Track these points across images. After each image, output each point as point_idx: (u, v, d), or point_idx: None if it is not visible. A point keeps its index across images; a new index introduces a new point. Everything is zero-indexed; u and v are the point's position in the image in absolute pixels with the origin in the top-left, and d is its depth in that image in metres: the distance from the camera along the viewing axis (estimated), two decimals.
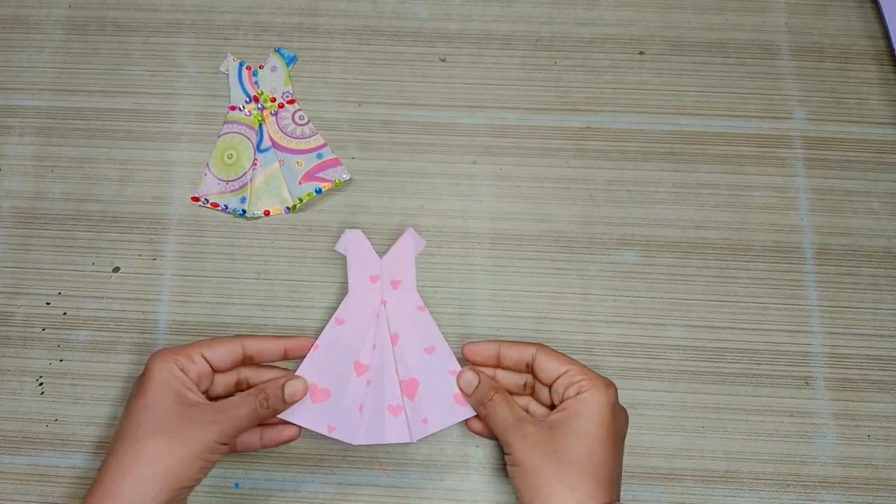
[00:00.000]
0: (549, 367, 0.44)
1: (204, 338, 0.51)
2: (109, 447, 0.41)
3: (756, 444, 0.49)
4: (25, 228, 0.54)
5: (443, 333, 0.49)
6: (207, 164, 0.55)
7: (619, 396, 0.49)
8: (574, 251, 0.53)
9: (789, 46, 0.58)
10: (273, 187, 0.54)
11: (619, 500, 0.41)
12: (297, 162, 0.55)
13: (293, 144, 0.55)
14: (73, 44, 0.58)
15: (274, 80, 0.57)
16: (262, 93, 0.56)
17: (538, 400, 0.46)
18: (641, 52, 0.57)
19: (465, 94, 0.56)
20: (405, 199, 0.54)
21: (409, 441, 0.45)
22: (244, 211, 0.53)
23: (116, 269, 0.53)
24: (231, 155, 0.55)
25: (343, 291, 0.52)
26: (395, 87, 0.57)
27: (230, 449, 0.43)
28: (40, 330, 0.52)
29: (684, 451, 0.49)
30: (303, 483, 0.48)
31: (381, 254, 0.49)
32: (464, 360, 0.48)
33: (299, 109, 0.56)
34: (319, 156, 0.55)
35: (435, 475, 0.49)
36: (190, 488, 0.40)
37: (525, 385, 0.47)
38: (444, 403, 0.45)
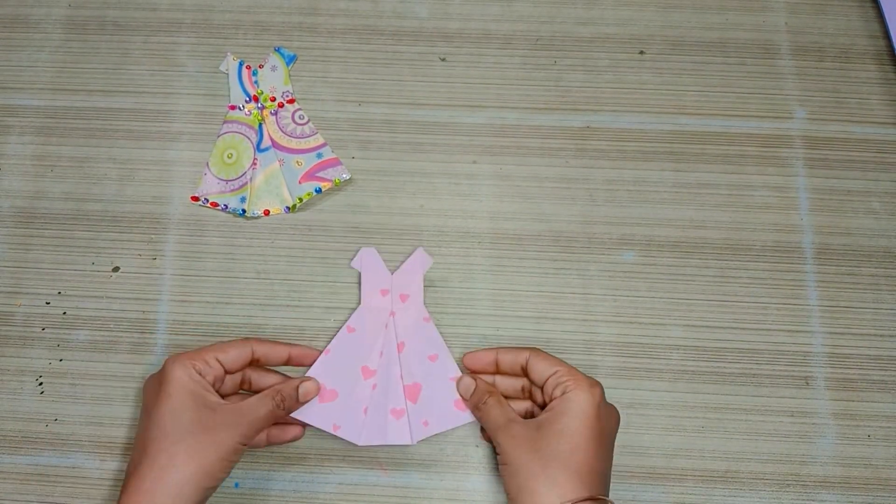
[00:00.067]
0: (539, 368, 0.45)
1: (204, 337, 0.51)
2: (137, 452, 0.42)
3: (756, 444, 0.49)
4: (25, 228, 0.54)
5: (443, 333, 0.50)
6: (207, 164, 0.55)
7: (620, 396, 0.50)
8: (574, 251, 0.53)
9: (789, 46, 0.58)
10: (273, 187, 0.54)
11: (606, 497, 0.42)
12: (297, 161, 0.55)
13: (293, 144, 0.55)
14: (73, 43, 0.58)
15: (274, 79, 0.57)
16: (262, 92, 0.56)
17: (536, 402, 0.47)
18: (641, 52, 0.57)
19: (465, 94, 0.56)
20: (405, 198, 0.54)
21: (409, 443, 0.47)
22: (244, 210, 0.53)
23: (116, 269, 0.53)
24: (231, 154, 0.55)
25: (343, 292, 0.52)
26: (395, 87, 0.57)
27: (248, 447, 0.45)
28: (40, 330, 0.52)
29: (684, 451, 0.49)
30: (303, 483, 0.48)
31: (395, 269, 0.51)
32: (465, 369, 0.49)
33: (299, 109, 0.56)
34: (319, 155, 0.55)
35: (435, 475, 0.49)
36: (216, 487, 0.42)
37: (523, 389, 0.48)
38: (445, 408, 0.48)
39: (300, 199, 0.54)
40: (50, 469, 0.49)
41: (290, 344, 0.48)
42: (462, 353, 0.50)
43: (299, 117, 0.56)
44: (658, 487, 0.49)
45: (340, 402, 0.47)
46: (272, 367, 0.49)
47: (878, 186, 0.54)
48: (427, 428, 0.47)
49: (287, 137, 0.55)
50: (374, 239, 0.53)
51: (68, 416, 0.50)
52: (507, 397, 0.48)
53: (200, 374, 0.43)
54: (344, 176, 0.54)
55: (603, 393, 0.44)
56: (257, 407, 0.43)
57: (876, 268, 0.53)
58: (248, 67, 0.57)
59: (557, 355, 0.47)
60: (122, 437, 0.49)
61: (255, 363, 0.47)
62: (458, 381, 0.48)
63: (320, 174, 0.54)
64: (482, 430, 0.49)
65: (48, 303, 0.52)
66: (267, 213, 0.54)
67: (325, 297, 0.52)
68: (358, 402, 0.48)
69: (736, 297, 0.52)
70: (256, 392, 0.47)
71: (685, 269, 0.53)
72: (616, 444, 0.47)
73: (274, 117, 0.56)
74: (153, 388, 0.44)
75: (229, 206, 0.54)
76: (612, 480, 0.46)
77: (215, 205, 0.54)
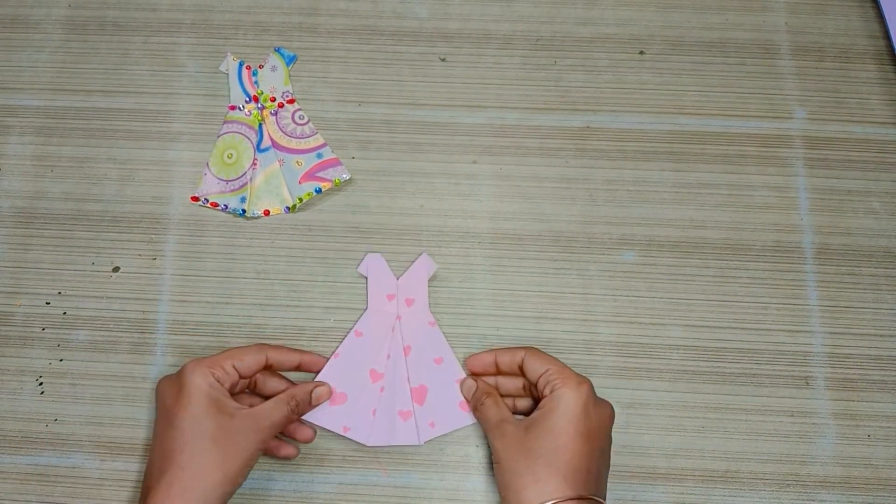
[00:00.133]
0: (533, 367, 0.46)
1: (204, 337, 0.51)
2: (160, 458, 0.42)
3: (756, 444, 0.49)
4: (25, 228, 0.54)
5: (443, 333, 0.50)
6: (207, 164, 0.55)
7: (620, 396, 0.50)
8: (574, 251, 0.53)
9: (789, 46, 0.58)
10: (273, 187, 0.54)
11: (596, 496, 0.42)
12: (297, 161, 0.55)
13: (293, 144, 0.55)
14: (73, 43, 0.58)
15: (274, 79, 0.57)
16: (262, 92, 0.56)
17: (536, 401, 0.47)
18: (641, 52, 0.57)
19: (465, 94, 0.56)
20: (405, 198, 0.54)
21: (417, 443, 0.48)
22: (244, 211, 0.53)
23: (116, 269, 0.53)
24: (231, 154, 0.55)
25: (343, 292, 0.52)
26: (395, 87, 0.57)
27: None
28: (40, 330, 0.52)
29: (684, 451, 0.49)
30: (303, 483, 0.49)
31: (396, 269, 0.52)
32: (468, 371, 0.50)
33: (299, 109, 0.56)
34: (319, 155, 0.55)
35: (435, 475, 0.49)
36: (235, 491, 0.43)
37: (524, 387, 0.48)
38: (450, 409, 0.49)
39: (300, 200, 0.54)
40: (50, 469, 0.49)
41: (301, 351, 0.49)
42: (463, 353, 0.50)
43: (299, 117, 0.56)
44: (658, 487, 0.49)
45: (350, 404, 0.49)
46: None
47: (878, 186, 0.54)
48: (433, 429, 0.48)
49: (287, 137, 0.55)
50: (373, 239, 0.53)
51: (68, 416, 0.50)
52: (510, 396, 0.48)
53: (219, 381, 0.44)
54: (344, 176, 0.54)
55: (592, 390, 0.44)
56: (273, 412, 0.44)
57: (876, 268, 0.53)
58: (248, 68, 0.57)
59: (557, 355, 0.47)
60: (122, 437, 0.49)
61: (267, 369, 0.48)
62: (462, 383, 0.49)
63: (320, 174, 0.54)
64: None
65: (48, 303, 0.52)
66: (267, 213, 0.54)
67: (325, 297, 0.52)
68: (367, 405, 0.49)
69: (736, 297, 0.52)
70: (260, 393, 0.48)
71: (685, 269, 0.53)
72: (616, 444, 0.47)
73: (274, 117, 0.56)
74: (171, 392, 0.44)
75: (229, 207, 0.54)
76: (612, 480, 0.47)
77: (215, 205, 0.54)
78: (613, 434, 0.46)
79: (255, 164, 0.54)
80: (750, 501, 0.48)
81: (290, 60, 0.57)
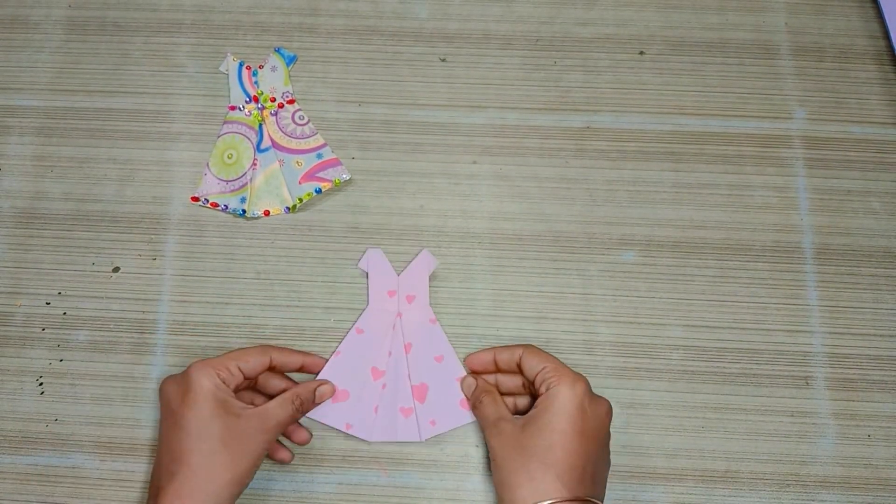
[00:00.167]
0: (530, 365, 0.46)
1: (204, 337, 0.51)
2: (169, 460, 0.43)
3: (756, 444, 0.49)
4: (25, 228, 0.54)
5: (445, 334, 0.50)
6: (207, 164, 0.55)
7: (620, 396, 0.50)
8: (574, 251, 0.53)
9: (789, 46, 0.58)
10: (273, 187, 0.54)
11: (592, 496, 0.42)
12: (297, 162, 0.55)
13: (293, 144, 0.55)
14: (73, 44, 0.58)
15: (274, 79, 0.57)
16: (262, 93, 0.56)
17: (534, 399, 0.47)
18: (641, 52, 0.57)
19: (465, 94, 0.56)
20: (405, 199, 0.54)
21: (418, 440, 0.48)
22: (244, 211, 0.53)
23: (116, 269, 0.53)
24: (231, 155, 0.55)
25: (343, 291, 0.52)
26: (395, 87, 0.57)
27: None
28: (40, 330, 0.52)
29: (684, 451, 0.49)
30: (303, 483, 0.49)
31: (398, 270, 0.52)
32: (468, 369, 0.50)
33: (299, 109, 0.56)
34: (319, 156, 0.55)
35: (435, 475, 0.49)
36: (243, 491, 0.44)
37: (524, 385, 0.48)
38: (450, 407, 0.49)
39: (300, 200, 0.54)
40: (50, 469, 0.49)
41: (303, 353, 0.49)
42: (463, 353, 0.50)
43: (299, 118, 0.56)
44: (658, 487, 0.49)
45: (352, 401, 0.49)
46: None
47: (878, 186, 0.54)
48: (434, 427, 0.49)
49: (287, 138, 0.55)
50: (374, 239, 0.53)
51: (68, 416, 0.50)
52: (510, 394, 0.48)
53: (224, 382, 0.44)
54: (344, 176, 0.54)
55: (587, 388, 0.44)
56: (279, 411, 0.45)
57: (876, 268, 0.53)
58: (248, 68, 0.57)
59: (557, 355, 0.47)
60: (122, 437, 0.49)
61: (270, 370, 0.48)
62: (462, 381, 0.49)
63: (320, 174, 0.54)
64: None
65: (48, 303, 0.52)
66: (267, 213, 0.54)
67: (325, 297, 0.52)
68: (369, 402, 0.49)
69: (736, 297, 0.52)
70: (261, 390, 0.49)
71: (685, 269, 0.53)
72: (616, 444, 0.47)
73: (274, 118, 0.56)
74: (177, 394, 0.44)
75: (229, 207, 0.54)
76: (611, 480, 0.47)
77: (215, 205, 0.54)
78: (613, 434, 0.46)
79: (255, 165, 0.54)
80: (750, 501, 0.48)
81: (290, 61, 0.57)
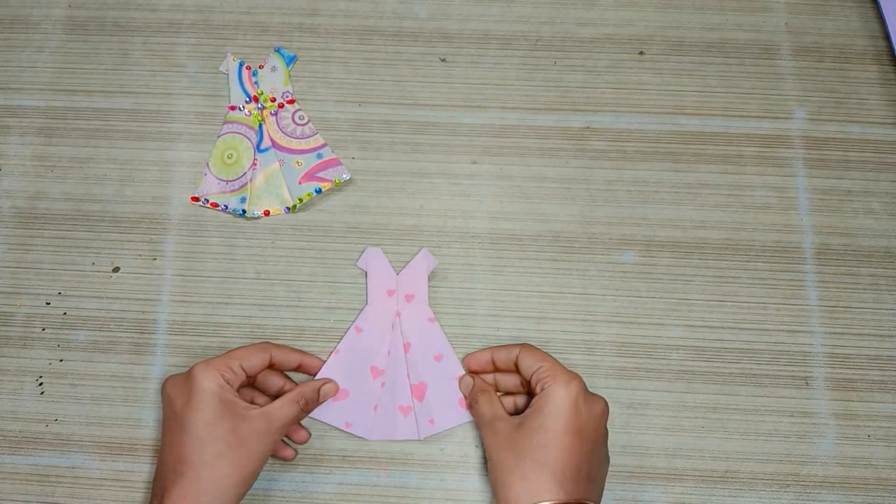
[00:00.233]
0: (527, 364, 0.46)
1: (204, 337, 0.51)
2: (174, 461, 0.42)
3: (756, 444, 0.49)
4: (25, 228, 0.54)
5: (445, 333, 0.51)
6: (207, 164, 0.55)
7: (619, 396, 0.50)
8: (574, 251, 0.53)
9: (789, 46, 0.58)
10: (273, 187, 0.54)
11: (587, 498, 0.41)
12: (297, 162, 0.55)
13: (293, 144, 0.55)
14: (73, 44, 0.58)
15: (274, 79, 0.57)
16: (262, 93, 0.56)
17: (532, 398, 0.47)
18: (641, 52, 0.57)
19: (465, 94, 0.56)
20: (405, 199, 0.54)
21: (417, 438, 0.49)
22: (244, 211, 0.53)
23: (116, 269, 0.53)
24: (231, 155, 0.55)
25: (343, 291, 0.52)
26: (395, 87, 0.57)
27: None
28: (40, 330, 0.52)
29: (684, 451, 0.49)
30: (303, 483, 0.49)
31: (396, 270, 0.52)
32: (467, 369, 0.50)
33: (299, 109, 0.56)
34: (319, 156, 0.55)
35: (435, 475, 0.49)
36: (249, 489, 0.44)
37: (522, 384, 0.48)
38: (449, 406, 0.49)
39: (300, 200, 0.54)
40: (50, 469, 0.49)
41: (302, 352, 0.49)
42: (463, 353, 0.50)
43: (299, 118, 0.56)
44: (658, 487, 0.49)
45: (351, 400, 0.49)
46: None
47: (878, 186, 0.54)
48: (433, 426, 0.49)
49: (287, 138, 0.55)
50: (373, 239, 0.53)
51: (68, 416, 0.50)
52: (510, 393, 0.48)
53: (228, 382, 0.44)
54: (344, 176, 0.54)
55: (582, 387, 0.44)
56: (284, 412, 0.45)
57: (876, 268, 0.53)
58: (248, 68, 0.57)
59: (557, 355, 0.47)
60: (122, 437, 0.49)
61: (269, 367, 0.48)
62: (460, 380, 0.49)
63: (320, 174, 0.54)
64: None
65: (48, 303, 0.52)
66: (267, 213, 0.54)
67: (325, 297, 0.52)
68: (368, 401, 0.49)
69: (736, 297, 0.52)
70: (259, 387, 0.49)
71: (685, 269, 0.53)
72: (616, 444, 0.47)
73: (274, 118, 0.56)
74: (181, 395, 0.44)
75: (229, 207, 0.54)
76: (611, 480, 0.47)
77: (215, 205, 0.54)
78: (613, 434, 0.46)
79: (255, 165, 0.54)
80: (750, 501, 0.48)
81: (290, 61, 0.57)
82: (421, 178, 0.55)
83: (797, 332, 0.51)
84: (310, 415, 0.48)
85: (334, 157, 0.55)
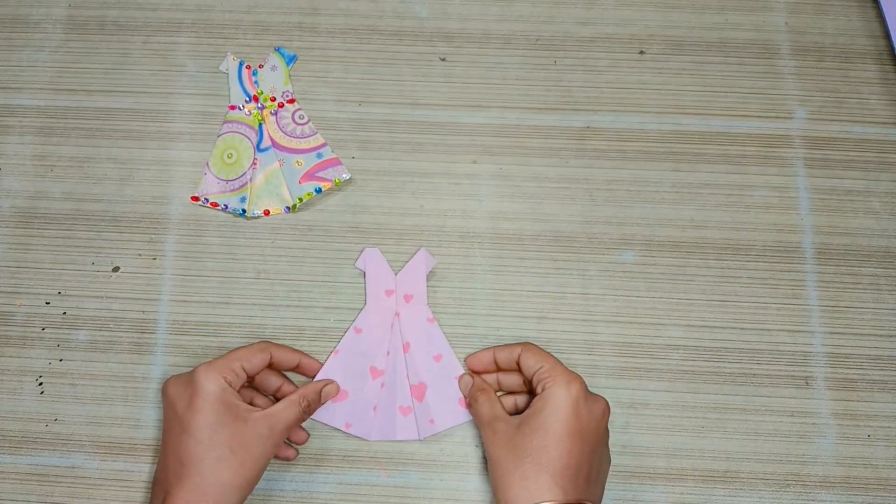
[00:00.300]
0: (528, 364, 0.46)
1: (204, 337, 0.51)
2: (176, 464, 0.42)
3: (756, 444, 0.49)
4: (25, 228, 0.54)
5: (443, 332, 0.51)
6: (207, 164, 0.55)
7: (619, 396, 0.50)
8: (574, 251, 0.53)
9: (790, 46, 0.58)
10: (273, 187, 0.54)
11: (587, 499, 0.41)
12: (297, 161, 0.55)
13: (293, 144, 0.55)
14: (73, 43, 0.58)
15: (274, 79, 0.57)
16: (262, 92, 0.56)
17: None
18: (641, 52, 0.57)
19: (465, 94, 0.56)
20: (405, 198, 0.54)
21: (417, 439, 0.48)
22: (244, 210, 0.53)
23: (116, 269, 0.53)
24: (231, 154, 0.55)
25: (343, 291, 0.52)
26: (395, 87, 0.57)
27: None
28: (40, 330, 0.52)
29: (684, 451, 0.49)
30: (303, 483, 0.49)
31: (396, 269, 0.52)
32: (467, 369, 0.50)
33: (299, 109, 0.56)
34: (319, 155, 0.55)
35: (435, 475, 0.49)
36: (252, 490, 0.44)
37: (524, 383, 0.48)
38: (449, 406, 0.49)
39: (300, 199, 0.54)
40: (50, 469, 0.49)
41: (301, 353, 0.49)
42: (463, 353, 0.50)
43: (299, 117, 0.56)
44: (658, 487, 0.49)
45: (351, 400, 0.49)
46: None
47: (878, 186, 0.54)
48: (433, 426, 0.49)
49: (287, 137, 0.55)
50: (374, 239, 0.53)
51: (68, 416, 0.50)
52: (512, 392, 0.48)
53: (230, 384, 0.44)
54: (344, 176, 0.54)
55: (583, 387, 0.44)
56: (286, 414, 0.45)
57: (876, 268, 0.53)
58: (248, 67, 0.57)
59: (557, 355, 0.47)
60: (122, 437, 0.49)
61: (269, 367, 0.48)
62: (460, 380, 0.49)
63: (320, 174, 0.54)
64: None
65: (48, 303, 0.52)
66: (267, 213, 0.54)
67: (325, 297, 0.52)
68: (368, 401, 0.49)
69: (736, 297, 0.52)
70: (258, 387, 0.49)
71: (685, 269, 0.53)
72: (616, 444, 0.47)
73: (274, 117, 0.56)
74: (183, 397, 0.44)
75: (229, 206, 0.54)
76: (611, 480, 0.47)
77: (215, 205, 0.54)
78: (613, 434, 0.46)
79: (255, 164, 0.54)
80: (750, 501, 0.48)
81: (290, 60, 0.57)
82: (421, 177, 0.55)
83: (797, 331, 0.51)
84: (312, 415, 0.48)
85: (334, 156, 0.55)
